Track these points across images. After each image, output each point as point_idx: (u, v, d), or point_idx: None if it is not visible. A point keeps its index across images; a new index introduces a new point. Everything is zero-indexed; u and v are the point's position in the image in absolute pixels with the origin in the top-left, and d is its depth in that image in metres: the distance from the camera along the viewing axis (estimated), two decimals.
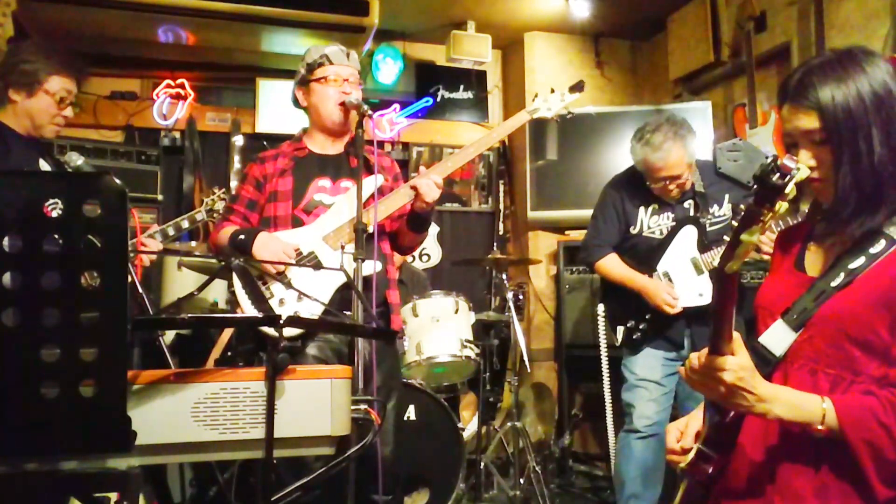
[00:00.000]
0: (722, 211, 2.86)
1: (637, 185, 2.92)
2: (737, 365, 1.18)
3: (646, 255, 2.87)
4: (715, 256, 2.75)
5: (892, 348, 1.20)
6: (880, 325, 1.21)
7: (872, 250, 1.24)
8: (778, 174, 1.02)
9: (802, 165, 1.03)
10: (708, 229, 2.82)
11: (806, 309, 1.27)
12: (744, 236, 1.07)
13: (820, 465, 1.22)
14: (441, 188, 2.33)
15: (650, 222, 2.89)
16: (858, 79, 1.24)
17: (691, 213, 2.86)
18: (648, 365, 2.84)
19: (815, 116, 1.25)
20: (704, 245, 2.80)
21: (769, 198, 1.03)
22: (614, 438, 3.42)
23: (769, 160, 1.04)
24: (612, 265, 2.93)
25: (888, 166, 1.23)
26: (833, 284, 1.26)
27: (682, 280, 2.80)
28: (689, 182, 2.83)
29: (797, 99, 1.28)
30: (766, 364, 1.30)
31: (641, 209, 2.90)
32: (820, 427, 1.18)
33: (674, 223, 2.85)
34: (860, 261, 1.25)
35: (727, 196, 2.87)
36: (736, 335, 1.21)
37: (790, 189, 1.02)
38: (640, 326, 2.86)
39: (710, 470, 1.34)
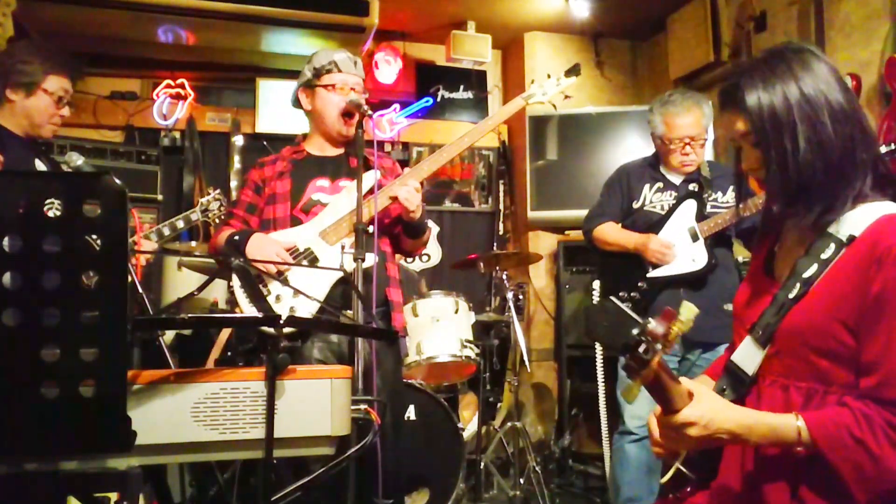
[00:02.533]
0: (726, 198, 2.91)
1: (646, 168, 3.00)
2: (696, 416, 1.17)
3: (646, 229, 2.90)
4: (710, 224, 2.81)
5: (860, 354, 1.18)
6: (841, 332, 1.19)
7: (823, 256, 1.24)
8: (644, 346, 1.08)
9: (675, 328, 1.08)
10: (708, 210, 2.86)
11: (769, 324, 1.27)
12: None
13: (798, 483, 1.21)
14: (420, 191, 2.33)
15: (653, 198, 2.94)
16: (785, 80, 1.25)
17: (694, 191, 2.92)
18: None
19: (745, 120, 1.27)
20: (702, 216, 2.85)
21: (640, 366, 1.10)
22: (608, 439, 3.43)
23: (637, 331, 1.09)
24: (609, 230, 2.98)
25: (816, 163, 1.23)
26: (791, 296, 1.25)
27: (678, 247, 2.83)
28: (702, 156, 2.89)
29: (728, 105, 1.31)
30: (742, 384, 1.30)
31: (646, 186, 2.96)
32: (799, 449, 1.17)
33: (675, 201, 2.90)
34: (813, 268, 1.24)
35: (732, 186, 2.91)
36: (683, 380, 1.21)
37: (657, 360, 1.09)
38: (632, 294, 2.88)
39: (689, 489, 1.34)
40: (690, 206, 2.87)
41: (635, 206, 2.96)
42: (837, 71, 1.29)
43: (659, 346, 1.07)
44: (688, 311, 1.06)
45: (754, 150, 1.29)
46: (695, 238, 2.83)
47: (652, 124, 2.93)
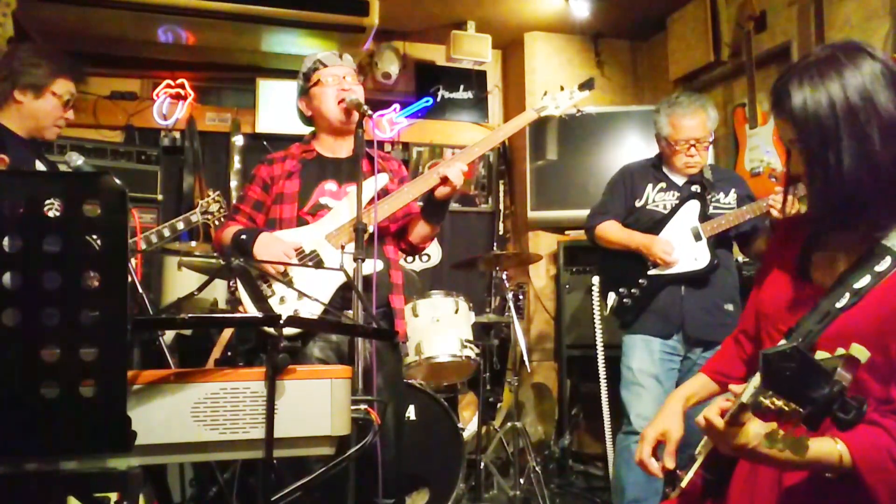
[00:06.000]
0: (727, 199, 2.93)
1: (649, 168, 3.03)
2: (750, 441, 1.12)
3: (649, 227, 2.92)
4: (713, 225, 2.83)
5: None
6: (889, 346, 1.16)
7: (878, 268, 1.20)
8: (841, 407, 0.96)
9: (866, 403, 0.97)
10: (710, 211, 2.89)
11: (811, 332, 1.23)
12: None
13: (821, 489, 1.20)
14: (465, 174, 2.35)
15: (655, 197, 2.96)
16: (831, 86, 1.19)
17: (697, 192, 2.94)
18: (645, 358, 2.85)
19: (791, 127, 1.23)
20: (705, 217, 2.87)
21: (820, 421, 0.98)
22: (611, 439, 3.43)
23: (835, 389, 0.96)
24: (611, 228, 2.99)
25: (863, 179, 1.17)
26: (838, 305, 1.21)
27: (681, 246, 2.85)
28: (706, 159, 2.93)
29: (776, 109, 1.26)
30: None
31: (650, 186, 2.99)
32: (829, 474, 1.14)
33: (678, 201, 2.92)
34: (865, 280, 1.20)
35: (733, 190, 2.95)
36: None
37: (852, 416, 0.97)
38: (632, 291, 2.89)
39: (706, 492, 1.33)
40: (693, 206, 2.89)
41: (638, 204, 2.98)
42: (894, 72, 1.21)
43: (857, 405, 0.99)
44: (861, 352, 1.00)
45: (801, 156, 1.25)
46: (697, 238, 2.85)
47: (658, 125, 2.95)
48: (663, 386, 2.81)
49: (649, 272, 2.87)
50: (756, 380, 1.03)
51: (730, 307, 2.83)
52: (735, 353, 1.57)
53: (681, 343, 2.84)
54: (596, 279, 3.24)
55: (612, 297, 2.97)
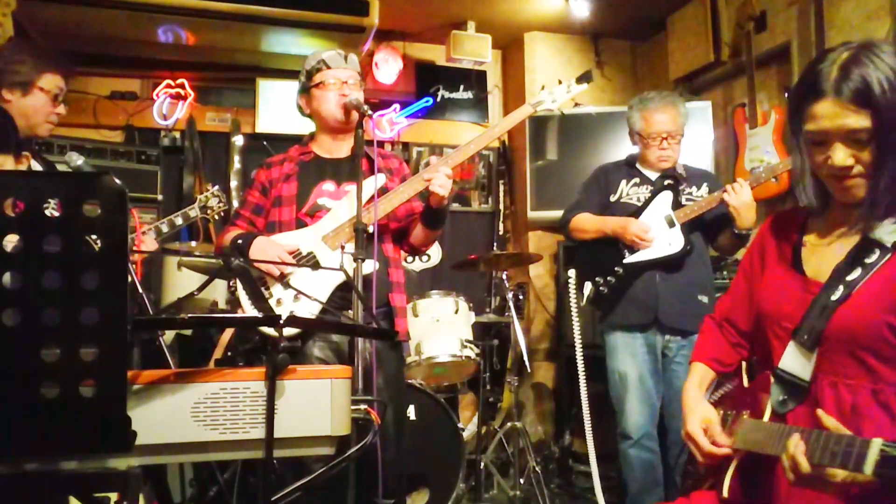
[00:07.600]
0: (699, 192, 2.98)
1: (623, 166, 3.09)
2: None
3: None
4: (686, 211, 2.87)
5: None
6: (889, 332, 1.20)
7: (868, 260, 1.25)
8: None
9: None
10: (683, 201, 2.92)
11: (815, 327, 1.27)
12: None
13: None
14: (451, 178, 2.32)
15: (629, 191, 3.01)
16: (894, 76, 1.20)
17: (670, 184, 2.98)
18: (629, 360, 2.88)
19: (866, 115, 1.20)
20: (678, 205, 2.91)
21: None
22: (592, 440, 3.41)
23: None
24: (584, 219, 3.02)
25: None
26: (833, 298, 1.26)
27: (655, 233, 2.88)
28: (678, 154, 2.97)
29: (844, 93, 1.21)
30: (801, 391, 1.29)
31: (623, 181, 3.03)
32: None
33: (651, 194, 2.96)
34: (857, 272, 1.26)
35: (705, 184, 3.01)
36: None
37: None
38: (608, 279, 2.91)
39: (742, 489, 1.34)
40: (666, 196, 2.93)
41: (612, 199, 3.02)
42: None
43: None
44: None
45: (857, 146, 1.23)
46: (671, 225, 2.88)
47: (630, 121, 3.00)
48: (647, 384, 2.85)
49: (625, 260, 2.89)
50: (870, 462, 1.02)
51: (704, 299, 2.86)
52: (723, 338, 1.59)
53: (659, 335, 2.87)
54: (572, 272, 3.24)
55: (588, 287, 2.98)
